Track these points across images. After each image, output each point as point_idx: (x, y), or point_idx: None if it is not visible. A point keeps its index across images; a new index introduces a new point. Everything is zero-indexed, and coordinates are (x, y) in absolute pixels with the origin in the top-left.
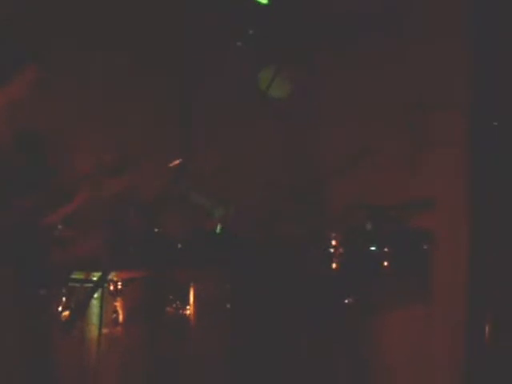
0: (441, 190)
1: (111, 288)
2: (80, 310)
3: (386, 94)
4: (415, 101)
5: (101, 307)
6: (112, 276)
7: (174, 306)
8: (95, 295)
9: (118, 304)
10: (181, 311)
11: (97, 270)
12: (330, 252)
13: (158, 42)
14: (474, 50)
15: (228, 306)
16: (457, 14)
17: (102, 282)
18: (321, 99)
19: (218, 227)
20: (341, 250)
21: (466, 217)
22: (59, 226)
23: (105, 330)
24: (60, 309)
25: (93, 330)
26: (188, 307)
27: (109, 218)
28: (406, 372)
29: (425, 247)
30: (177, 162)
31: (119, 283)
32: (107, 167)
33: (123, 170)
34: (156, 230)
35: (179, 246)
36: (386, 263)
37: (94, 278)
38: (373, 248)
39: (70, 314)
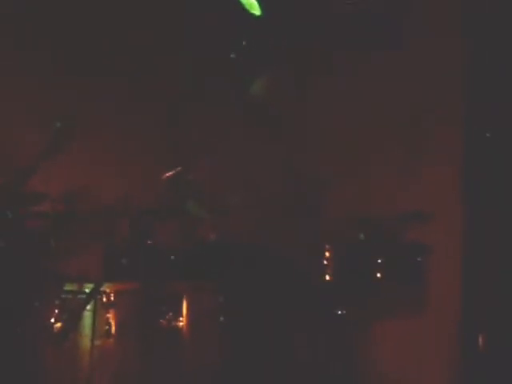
0: (435, 202)
1: (104, 300)
2: (73, 321)
3: (380, 104)
4: (410, 112)
5: (93, 319)
6: (105, 288)
7: (167, 317)
8: (88, 307)
9: (111, 316)
10: (174, 323)
11: (90, 282)
12: (323, 264)
13: (147, 53)
14: (470, 62)
15: (221, 318)
16: (453, 25)
17: (94, 294)
18: (312, 109)
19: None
20: (334, 261)
21: (460, 229)
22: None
23: (97, 342)
24: (53, 320)
25: (85, 342)
26: (181, 319)
27: (103, 229)
28: (400, 382)
29: (419, 259)
30: (171, 172)
31: (112, 295)
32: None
33: None
34: (149, 241)
35: (172, 257)
36: (379, 275)
37: (87, 290)
38: (367, 260)
39: (62, 326)
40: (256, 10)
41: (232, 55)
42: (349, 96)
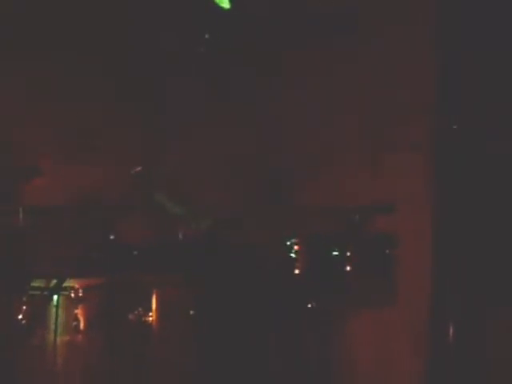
0: (403, 192)
1: (72, 295)
2: (38, 317)
3: (349, 95)
4: (378, 103)
5: (57, 315)
6: (73, 283)
7: (137, 312)
8: (54, 302)
9: (79, 311)
10: (143, 318)
11: (57, 278)
12: (292, 257)
13: (122, 46)
14: (438, 53)
15: (191, 312)
16: (422, 16)
17: (57, 290)
18: (284, 100)
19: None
20: (303, 254)
21: (429, 219)
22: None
23: (65, 338)
24: (20, 317)
25: (52, 338)
26: (151, 313)
27: (71, 225)
28: (370, 374)
29: (388, 251)
30: (139, 168)
31: (80, 290)
32: None
33: None
34: (116, 236)
35: (135, 252)
36: (348, 268)
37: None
38: (335, 253)
39: (29, 322)
40: (225, 3)
41: (201, 49)
42: (316, 88)
